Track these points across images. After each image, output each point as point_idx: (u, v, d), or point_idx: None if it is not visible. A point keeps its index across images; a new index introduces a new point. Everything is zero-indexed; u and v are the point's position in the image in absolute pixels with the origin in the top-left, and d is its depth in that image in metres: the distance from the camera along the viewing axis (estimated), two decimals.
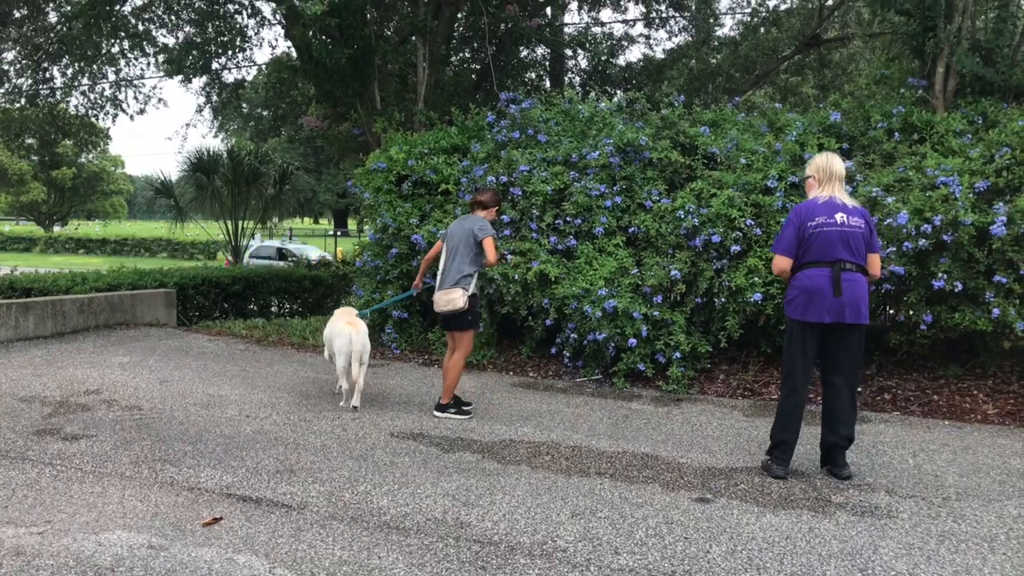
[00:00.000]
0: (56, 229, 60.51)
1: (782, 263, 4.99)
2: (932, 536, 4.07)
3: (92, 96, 18.15)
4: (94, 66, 16.90)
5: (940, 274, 6.67)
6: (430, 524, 4.13)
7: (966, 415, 6.68)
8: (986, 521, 4.29)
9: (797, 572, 3.61)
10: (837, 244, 4.83)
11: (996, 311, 6.53)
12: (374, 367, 8.58)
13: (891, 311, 7.72)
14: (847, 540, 4.00)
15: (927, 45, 8.36)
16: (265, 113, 26.77)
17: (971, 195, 6.71)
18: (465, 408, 6.52)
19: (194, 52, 13.51)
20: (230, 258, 18.75)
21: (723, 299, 7.58)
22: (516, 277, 8.18)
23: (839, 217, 4.85)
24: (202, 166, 17.60)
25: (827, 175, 5.00)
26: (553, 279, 8.05)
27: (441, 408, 6.49)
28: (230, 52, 15.14)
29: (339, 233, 43.38)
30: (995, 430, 6.27)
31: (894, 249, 6.78)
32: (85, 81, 17.51)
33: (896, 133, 7.96)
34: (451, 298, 6.28)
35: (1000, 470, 5.21)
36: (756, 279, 7.34)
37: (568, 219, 8.45)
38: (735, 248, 7.55)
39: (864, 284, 4.89)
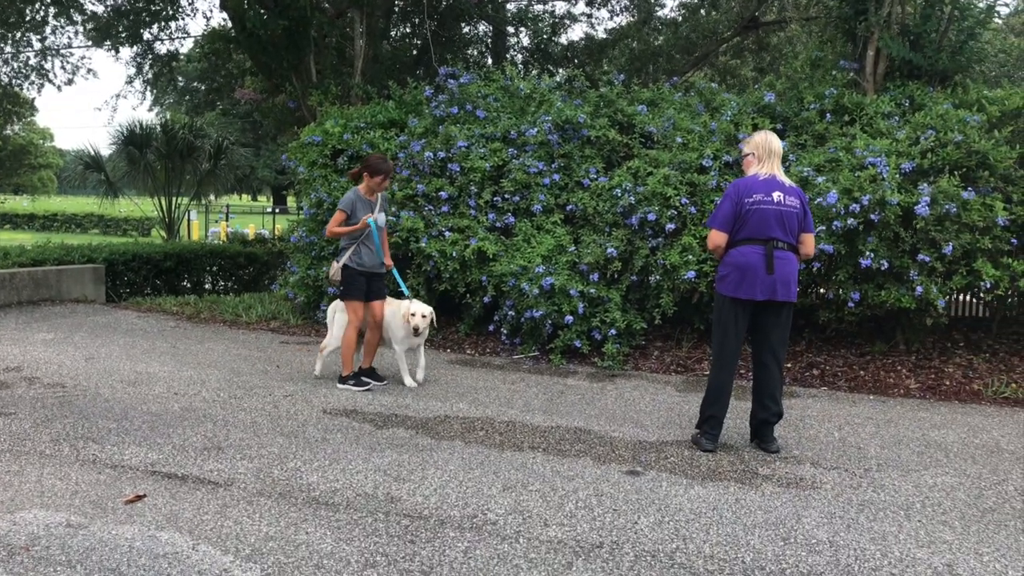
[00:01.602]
0: None
1: (717, 238, 4.98)
2: (852, 505, 4.18)
3: (16, 65, 17.48)
4: (18, 33, 16.25)
5: (867, 253, 6.83)
6: (360, 499, 4.09)
7: (890, 390, 6.88)
8: (904, 490, 4.43)
9: (722, 542, 3.68)
10: (772, 222, 4.87)
11: (919, 289, 6.73)
12: (307, 344, 8.47)
13: (820, 289, 7.89)
14: (772, 510, 4.08)
15: (859, 29, 8.52)
16: (201, 87, 26.11)
17: (897, 176, 6.88)
18: (364, 380, 6.56)
19: (124, 20, 13.06)
20: (164, 234, 18.29)
21: (658, 277, 7.65)
22: (454, 254, 8.14)
23: (776, 195, 4.88)
24: (134, 140, 17.06)
25: (766, 152, 5.00)
26: (491, 256, 8.03)
27: (341, 380, 6.60)
28: (162, 22, 14.71)
29: (278, 211, 42.60)
30: (916, 404, 6.48)
31: (824, 228, 6.91)
32: (8, 49, 16.84)
33: (828, 114, 8.11)
34: (333, 270, 6.58)
35: (920, 442, 5.38)
36: (690, 257, 7.42)
37: (506, 196, 8.43)
38: (670, 226, 7.63)
39: (795, 263, 4.96)
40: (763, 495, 4.30)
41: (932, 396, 6.71)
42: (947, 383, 6.93)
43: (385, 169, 6.45)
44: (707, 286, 7.50)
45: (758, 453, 5.06)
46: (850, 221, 6.80)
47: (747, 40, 17.60)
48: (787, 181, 5.00)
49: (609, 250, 7.70)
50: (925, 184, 6.85)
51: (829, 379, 7.19)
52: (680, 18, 17.41)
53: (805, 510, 4.09)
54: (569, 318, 7.53)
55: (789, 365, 7.50)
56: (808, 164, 7.39)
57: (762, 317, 5.02)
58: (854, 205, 6.77)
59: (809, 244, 5.04)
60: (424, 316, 6.44)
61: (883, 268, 6.81)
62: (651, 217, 7.62)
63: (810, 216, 5.06)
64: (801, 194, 5.03)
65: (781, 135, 8.19)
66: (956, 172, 6.91)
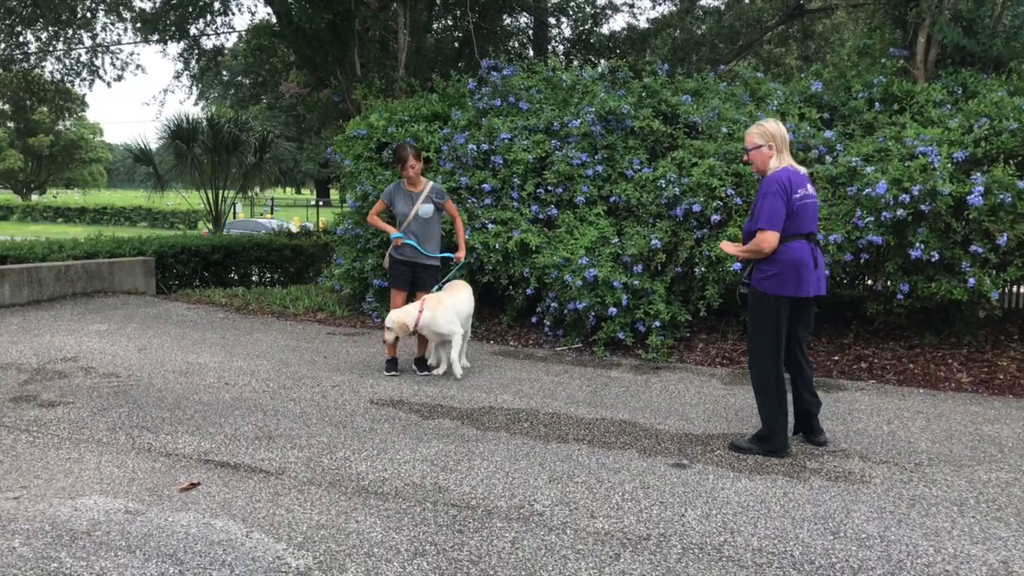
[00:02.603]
0: (34, 198, 59.75)
1: (775, 239, 4.71)
2: (903, 500, 4.13)
3: (68, 61, 17.88)
4: (69, 31, 16.62)
5: (918, 244, 6.71)
6: (408, 489, 4.14)
7: (940, 383, 6.76)
8: (956, 486, 4.36)
9: (770, 535, 3.66)
10: (814, 216, 4.82)
11: (972, 281, 6.59)
12: (354, 335, 8.58)
13: (869, 280, 7.78)
14: (820, 504, 4.05)
15: (909, 15, 8.36)
16: (246, 81, 26.47)
17: (949, 165, 6.74)
18: (391, 368, 6.81)
19: (171, 15, 13.29)
20: (210, 227, 18.60)
21: (703, 268, 7.60)
22: (497, 246, 8.17)
23: (810, 188, 4.84)
24: (181, 134, 17.37)
25: (783, 143, 4.83)
26: (534, 248, 8.04)
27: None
28: (208, 16, 14.93)
29: (321, 203, 43.07)
30: (968, 398, 6.36)
31: (872, 219, 6.81)
32: (60, 46, 17.23)
33: (876, 103, 7.97)
34: (386, 260, 6.98)
35: (972, 436, 5.29)
36: None
37: (549, 188, 8.43)
38: (715, 217, 7.56)
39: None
40: (811, 489, 4.27)
41: (985, 390, 6.58)
42: (1001, 377, 6.79)
43: (398, 156, 6.68)
44: None
45: (805, 446, 5.01)
46: (900, 212, 6.68)
47: (792, 28, 17.37)
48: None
49: (653, 241, 7.66)
50: (978, 174, 6.70)
51: (877, 372, 7.09)
52: (723, 6, 17.23)
53: (855, 504, 4.05)
54: (613, 310, 7.51)
55: (836, 358, 7.41)
56: (856, 154, 7.27)
57: (796, 313, 4.87)
58: (904, 195, 6.65)
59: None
60: (389, 328, 6.50)
61: (934, 259, 6.69)
62: (696, 208, 7.56)
63: None
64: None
65: (828, 125, 8.09)
66: (1011, 161, 6.75)
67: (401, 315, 6.47)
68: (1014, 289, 8.81)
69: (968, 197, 6.52)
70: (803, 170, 4.92)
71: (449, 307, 6.54)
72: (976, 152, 6.86)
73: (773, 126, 4.87)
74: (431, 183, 6.80)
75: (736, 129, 8.02)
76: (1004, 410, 5.99)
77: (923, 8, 8.17)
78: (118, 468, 4.37)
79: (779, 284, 4.76)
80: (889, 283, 7.10)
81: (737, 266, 7.27)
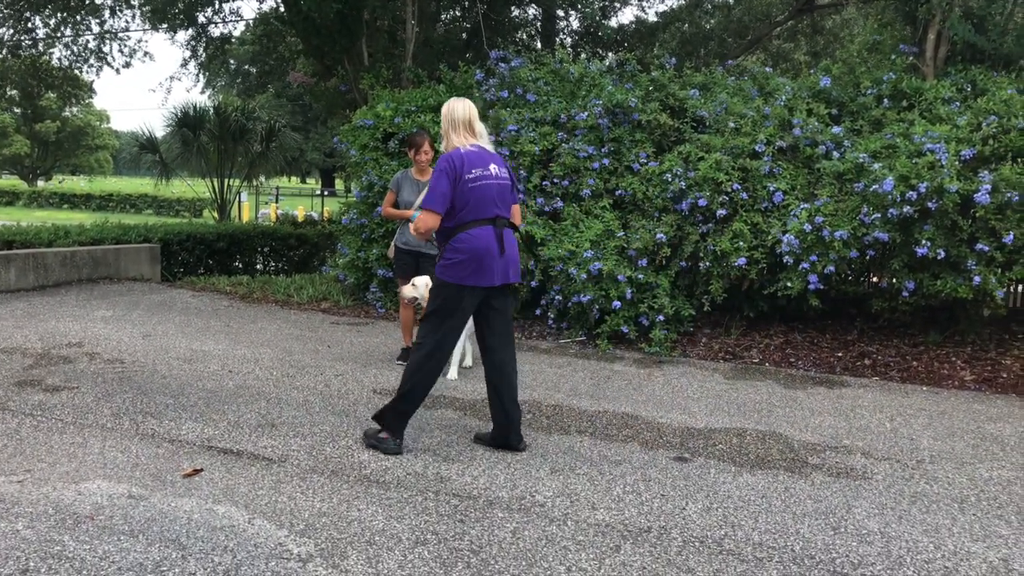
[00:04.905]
0: (40, 183, 59.80)
1: (432, 220, 4.38)
2: (905, 497, 4.13)
3: (75, 48, 17.87)
4: (77, 17, 16.60)
5: (924, 241, 6.70)
6: (410, 478, 4.16)
7: (944, 381, 6.75)
8: (958, 483, 4.36)
9: (771, 529, 3.67)
10: (500, 199, 4.49)
11: (977, 279, 6.58)
12: (357, 325, 8.59)
13: (874, 277, 7.77)
14: (822, 500, 4.05)
15: (919, 11, 8.33)
16: (253, 69, 26.45)
17: (957, 163, 6.72)
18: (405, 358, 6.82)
19: (179, 3, 13.28)
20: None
21: (708, 263, 7.59)
22: None
23: (492, 168, 4.47)
24: (188, 122, 17.35)
25: (459, 123, 4.51)
26: (539, 241, 8.04)
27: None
28: (216, 3, 14.91)
29: (326, 193, 43.05)
30: (971, 396, 6.35)
31: (879, 216, 6.79)
32: (68, 32, 17.22)
33: (885, 99, 7.94)
34: (390, 250, 6.99)
35: (974, 434, 5.28)
36: (741, 243, 7.35)
37: (555, 180, 8.43)
38: (721, 212, 7.55)
39: (515, 240, 4.61)
40: (813, 484, 4.27)
41: (988, 388, 6.57)
42: (1004, 375, 6.78)
43: (410, 142, 6.65)
44: (757, 273, 7.43)
45: (808, 441, 5.01)
46: (906, 209, 6.66)
47: (801, 23, 17.29)
48: (492, 149, 4.64)
49: (658, 235, 7.66)
50: (986, 172, 6.68)
51: (881, 369, 7.08)
52: (732, 0, 17.14)
53: (856, 500, 4.06)
54: (617, 303, 7.51)
55: (840, 354, 7.41)
56: (864, 150, 7.25)
57: (487, 304, 4.56)
58: (911, 192, 6.63)
59: (518, 215, 4.71)
60: (415, 286, 6.13)
61: (939, 257, 6.67)
62: (702, 203, 7.55)
63: (516, 184, 4.69)
64: (505, 162, 4.68)
65: (836, 120, 8.06)
66: (1019, 159, 6.73)
67: (425, 280, 6.03)
68: (1019, 288, 8.80)
69: (975, 195, 6.50)
70: (490, 149, 4.59)
71: None
72: (984, 150, 6.84)
73: (447, 107, 4.58)
74: None
75: (743, 124, 8.00)
76: (1007, 408, 5.98)
77: (933, 5, 8.14)
78: (122, 453, 4.39)
79: (461, 273, 4.43)
80: (894, 280, 7.10)
81: (742, 261, 7.27)
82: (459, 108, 4.56)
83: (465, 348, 6.68)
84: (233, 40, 18.47)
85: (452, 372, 6.30)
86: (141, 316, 8.42)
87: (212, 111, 17.76)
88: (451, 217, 4.44)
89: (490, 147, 4.66)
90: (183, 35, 16.36)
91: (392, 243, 6.93)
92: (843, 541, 3.56)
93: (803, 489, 4.20)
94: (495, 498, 3.93)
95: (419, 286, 6.00)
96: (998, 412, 5.87)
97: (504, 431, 4.65)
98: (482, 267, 4.42)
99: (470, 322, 5.65)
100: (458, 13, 17.20)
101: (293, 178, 60.39)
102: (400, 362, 6.82)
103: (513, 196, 4.67)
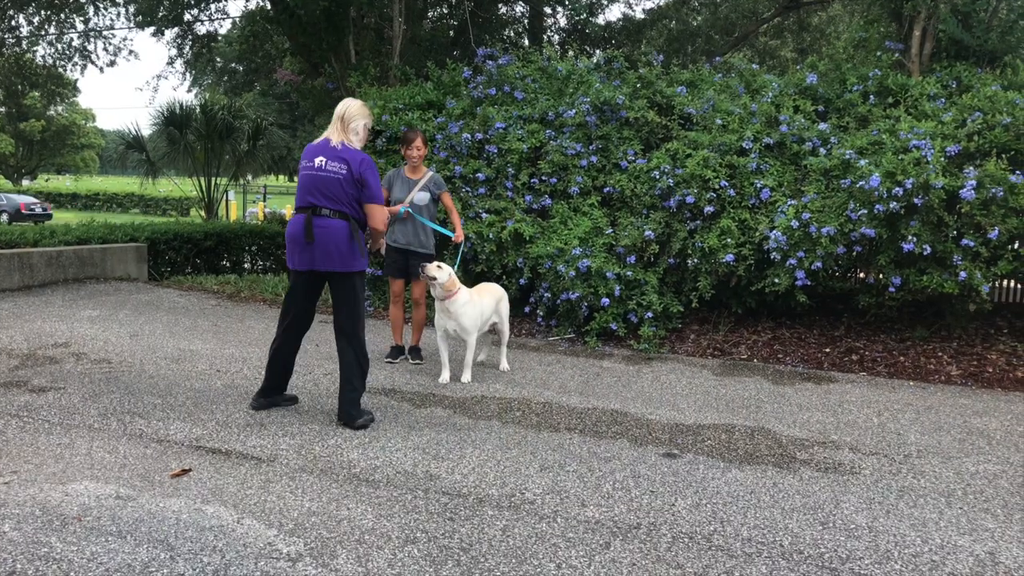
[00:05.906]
0: (25, 183, 59.32)
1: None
2: (892, 491, 4.16)
3: (60, 46, 17.76)
4: (61, 15, 16.50)
5: (910, 237, 6.73)
6: (399, 477, 4.15)
7: (930, 376, 6.80)
8: (945, 477, 4.39)
9: (760, 525, 3.68)
10: (310, 188, 4.82)
11: (963, 274, 6.62)
12: None
13: (861, 273, 7.80)
14: (810, 495, 4.07)
15: (904, 8, 8.37)
16: (239, 67, 26.30)
17: (942, 159, 6.76)
18: (394, 355, 6.91)
19: (165, 2, 13.21)
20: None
21: (696, 260, 7.62)
22: (491, 236, 8.17)
23: (318, 160, 4.80)
24: (174, 120, 17.29)
25: (338, 116, 4.89)
26: (528, 238, 8.05)
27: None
28: (203, 3, 14.83)
29: None
30: (957, 391, 6.39)
31: (865, 211, 6.82)
32: (52, 30, 17.11)
33: (871, 96, 7.99)
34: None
35: (961, 429, 5.32)
36: (729, 240, 7.37)
37: (543, 178, 8.43)
38: (709, 209, 7.58)
39: (341, 231, 4.81)
40: (801, 479, 4.29)
41: (974, 383, 6.62)
42: (990, 370, 6.83)
43: (406, 137, 6.62)
44: (745, 269, 7.46)
45: (796, 437, 5.04)
46: (892, 205, 6.70)
47: (788, 20, 17.36)
48: (341, 144, 4.83)
49: (647, 232, 7.67)
50: (971, 168, 6.72)
51: (868, 364, 7.12)
52: None
53: (844, 495, 4.08)
54: (605, 300, 7.53)
55: (827, 350, 7.45)
56: (850, 147, 7.28)
57: (331, 291, 5.03)
58: (897, 189, 6.66)
59: (372, 215, 4.93)
60: (440, 266, 6.08)
61: (926, 253, 6.71)
62: (689, 200, 7.57)
63: (371, 185, 4.85)
64: (356, 160, 4.82)
65: (823, 117, 8.10)
66: (1004, 155, 6.77)
67: (450, 270, 6.08)
68: (1004, 283, 8.86)
69: (961, 191, 6.54)
70: (341, 145, 4.82)
71: (479, 306, 6.23)
72: (969, 146, 6.88)
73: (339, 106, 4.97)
74: (431, 172, 6.76)
75: (730, 121, 8.03)
76: (992, 403, 6.03)
77: (919, 2, 8.18)
78: (109, 454, 4.36)
79: (288, 255, 5.01)
80: (881, 276, 7.13)
81: (730, 257, 7.30)
82: (341, 105, 4.97)
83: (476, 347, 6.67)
84: (219, 38, 18.37)
85: (444, 376, 6.27)
86: (128, 316, 8.37)
87: (199, 109, 17.69)
88: None
89: (357, 144, 4.92)
90: (169, 33, 16.27)
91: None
92: (831, 536, 3.58)
93: (791, 484, 4.22)
94: (485, 496, 3.93)
95: (444, 268, 6.02)
96: (984, 406, 5.91)
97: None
98: (293, 252, 4.91)
99: (481, 321, 6.28)
100: (445, 10, 17.18)
101: (280, 176, 60.12)
102: (389, 360, 6.81)
103: (354, 192, 4.83)
